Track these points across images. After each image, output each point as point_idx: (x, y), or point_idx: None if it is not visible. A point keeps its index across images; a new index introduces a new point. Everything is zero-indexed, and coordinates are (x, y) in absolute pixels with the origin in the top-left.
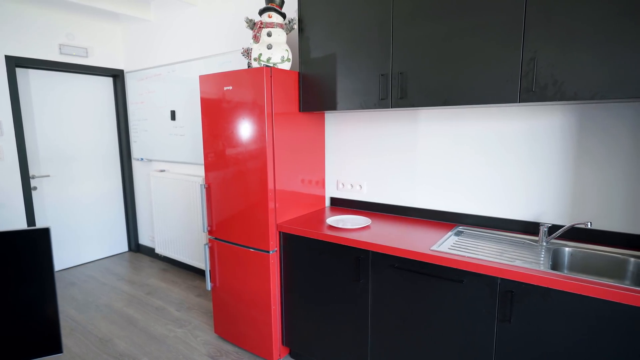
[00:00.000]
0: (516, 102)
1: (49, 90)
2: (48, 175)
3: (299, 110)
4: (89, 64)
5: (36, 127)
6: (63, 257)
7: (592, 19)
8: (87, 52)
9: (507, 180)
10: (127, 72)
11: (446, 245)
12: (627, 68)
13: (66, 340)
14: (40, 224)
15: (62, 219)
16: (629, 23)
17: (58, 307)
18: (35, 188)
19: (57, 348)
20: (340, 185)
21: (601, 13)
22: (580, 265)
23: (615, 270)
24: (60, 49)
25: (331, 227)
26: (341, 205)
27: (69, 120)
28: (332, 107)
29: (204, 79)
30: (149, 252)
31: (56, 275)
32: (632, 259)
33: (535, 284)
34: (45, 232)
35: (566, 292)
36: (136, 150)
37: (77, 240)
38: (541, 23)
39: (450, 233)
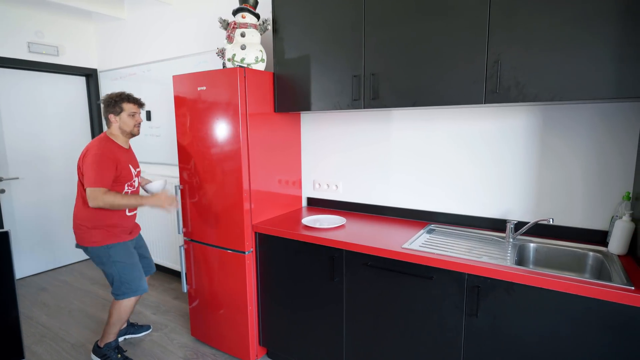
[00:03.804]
0: (482, 103)
1: (17, 89)
2: (17, 178)
3: (274, 111)
4: (60, 62)
5: (3, 128)
6: (34, 261)
7: (551, 25)
8: (57, 51)
9: (478, 179)
10: (100, 72)
11: (417, 243)
12: (583, 71)
13: (36, 347)
14: (8, 227)
15: (33, 222)
16: (584, 29)
17: (19, 312)
18: (3, 191)
19: (19, 354)
20: (317, 185)
21: (559, 19)
22: (545, 260)
23: (576, 264)
24: (29, 47)
25: (306, 227)
26: (318, 205)
27: (39, 121)
28: (307, 107)
29: (177, 79)
30: None
31: (27, 281)
32: (591, 253)
33: (500, 278)
34: (4, 236)
35: (528, 285)
36: None
37: (49, 244)
38: (504, 27)
39: (422, 231)
